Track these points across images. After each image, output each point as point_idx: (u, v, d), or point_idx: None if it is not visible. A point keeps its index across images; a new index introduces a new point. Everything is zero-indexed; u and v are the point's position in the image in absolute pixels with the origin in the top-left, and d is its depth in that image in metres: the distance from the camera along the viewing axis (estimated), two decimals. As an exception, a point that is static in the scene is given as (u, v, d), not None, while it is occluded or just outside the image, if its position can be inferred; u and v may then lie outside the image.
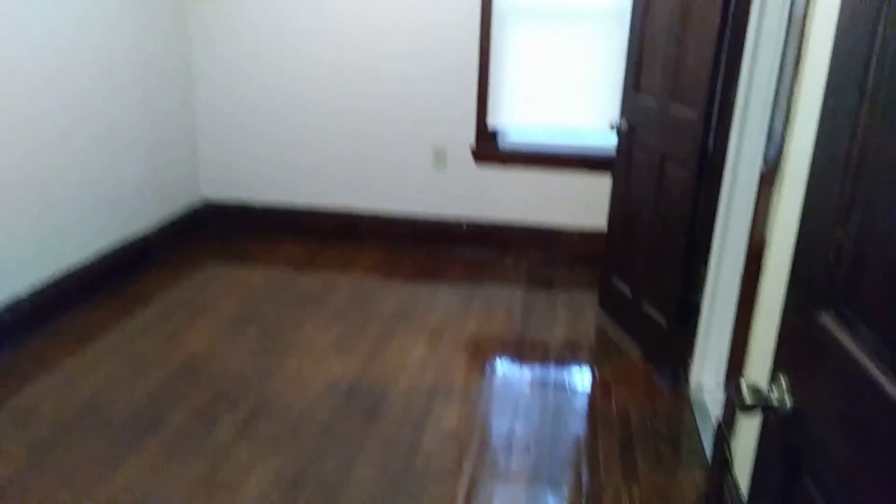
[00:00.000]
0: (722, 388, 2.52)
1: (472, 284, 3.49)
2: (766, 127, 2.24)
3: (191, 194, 3.99)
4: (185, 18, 3.75)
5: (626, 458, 2.22)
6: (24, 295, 2.81)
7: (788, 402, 0.90)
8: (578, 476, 2.13)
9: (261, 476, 2.07)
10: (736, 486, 1.93)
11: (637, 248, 2.90)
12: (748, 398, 0.91)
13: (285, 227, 4.02)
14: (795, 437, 0.90)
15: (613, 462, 2.20)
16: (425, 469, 2.13)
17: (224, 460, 2.13)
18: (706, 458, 2.23)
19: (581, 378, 2.70)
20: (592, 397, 2.58)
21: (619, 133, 3.01)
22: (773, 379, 0.94)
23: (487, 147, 3.76)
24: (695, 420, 2.43)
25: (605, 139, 3.66)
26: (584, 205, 3.76)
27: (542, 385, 2.63)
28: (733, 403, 1.26)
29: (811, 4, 1.67)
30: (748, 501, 1.15)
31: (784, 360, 0.95)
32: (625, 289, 3.00)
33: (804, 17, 1.74)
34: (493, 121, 3.71)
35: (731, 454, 2.01)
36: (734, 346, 2.38)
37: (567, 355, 2.85)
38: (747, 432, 1.91)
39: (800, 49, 1.74)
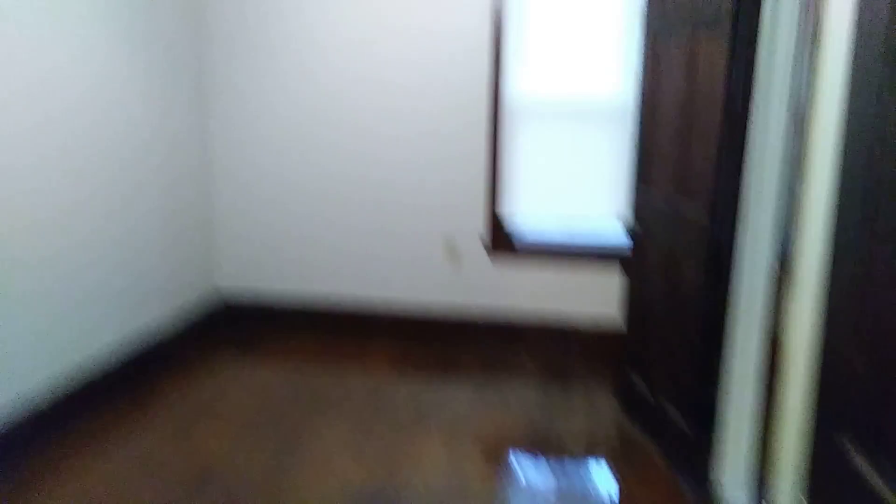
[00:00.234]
0: (747, 495, 2.41)
1: (487, 379, 3.44)
2: (776, 221, 2.25)
3: (205, 285, 4.04)
4: (206, 113, 3.93)
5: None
6: (35, 394, 2.79)
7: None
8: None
9: None
10: None
11: (653, 347, 2.86)
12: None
13: (299, 318, 4.04)
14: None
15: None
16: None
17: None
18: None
19: (602, 482, 2.60)
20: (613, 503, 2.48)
21: (628, 228, 3.04)
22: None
23: (500, 239, 3.80)
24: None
25: (617, 230, 3.69)
26: (599, 297, 3.75)
27: (560, 488, 2.54)
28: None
29: (813, 101, 1.72)
30: None
31: (806, 483, 0.91)
32: (643, 388, 2.94)
33: (806, 114, 1.78)
34: (504, 212, 3.77)
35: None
36: (757, 455, 2.30)
37: (586, 456, 2.77)
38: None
39: (803, 147, 1.77)
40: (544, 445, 2.84)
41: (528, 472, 2.66)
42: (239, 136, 3.95)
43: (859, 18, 1.33)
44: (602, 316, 3.75)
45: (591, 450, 2.82)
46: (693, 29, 2.50)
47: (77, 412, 2.98)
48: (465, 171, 3.75)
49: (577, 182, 3.70)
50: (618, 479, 2.62)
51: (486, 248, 3.81)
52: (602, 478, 2.63)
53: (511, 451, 2.80)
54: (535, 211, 3.78)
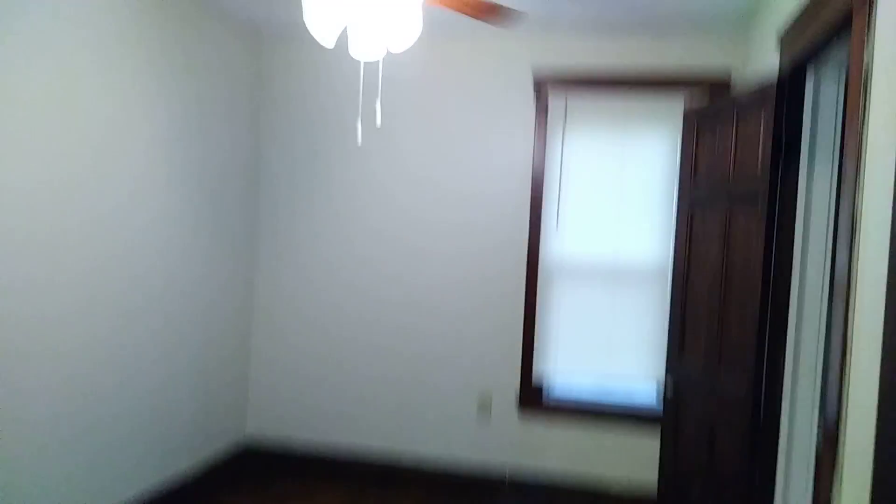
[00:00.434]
0: None
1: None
2: (818, 395, 2.16)
3: (237, 432, 3.95)
4: (252, 261, 4.05)
5: None
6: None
7: None
8: None
9: None
10: None
11: (690, 524, 2.66)
12: None
13: (327, 469, 3.89)
14: None
15: None
16: None
17: None
18: None
19: None
20: None
21: (665, 397, 2.94)
22: None
23: (533, 398, 3.71)
24: None
25: (652, 394, 3.59)
26: (633, 460, 3.56)
27: None
28: None
29: (854, 267, 1.71)
30: None
31: None
32: (679, 571, 2.69)
33: (848, 281, 1.76)
34: (538, 371, 3.71)
35: None
36: None
37: None
38: None
39: (847, 314, 1.74)
40: None
41: None
42: (280, 285, 4.06)
43: None
44: (640, 480, 3.53)
45: None
46: (730, 203, 2.57)
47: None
48: (503, 331, 3.76)
49: (613, 342, 3.65)
50: None
51: (518, 405, 3.71)
52: None
53: None
54: (570, 369, 3.70)
